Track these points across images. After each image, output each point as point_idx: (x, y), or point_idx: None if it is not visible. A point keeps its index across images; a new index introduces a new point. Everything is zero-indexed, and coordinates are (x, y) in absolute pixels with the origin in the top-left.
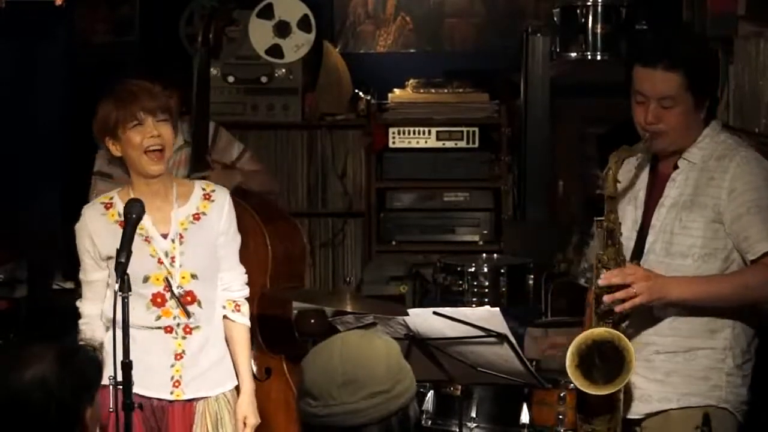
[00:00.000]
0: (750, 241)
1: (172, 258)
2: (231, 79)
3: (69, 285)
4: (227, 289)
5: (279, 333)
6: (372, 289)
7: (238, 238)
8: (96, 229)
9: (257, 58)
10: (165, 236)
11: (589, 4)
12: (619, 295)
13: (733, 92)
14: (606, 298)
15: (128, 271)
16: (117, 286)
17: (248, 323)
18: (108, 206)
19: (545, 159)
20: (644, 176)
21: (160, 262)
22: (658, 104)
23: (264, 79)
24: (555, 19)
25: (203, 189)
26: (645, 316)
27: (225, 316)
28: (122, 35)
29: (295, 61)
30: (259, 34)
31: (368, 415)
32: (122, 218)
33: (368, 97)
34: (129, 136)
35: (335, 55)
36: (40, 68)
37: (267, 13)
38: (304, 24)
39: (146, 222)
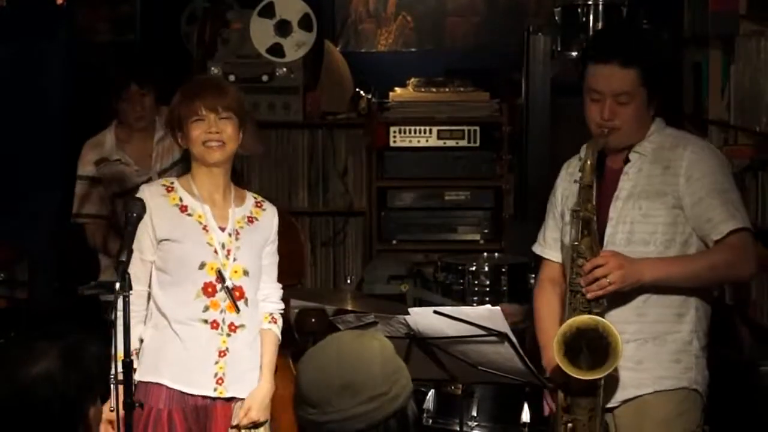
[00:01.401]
0: (713, 222)
1: (228, 251)
2: (232, 77)
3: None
4: (266, 299)
5: (282, 331)
6: (372, 288)
7: (276, 246)
8: (156, 207)
9: (258, 56)
10: (222, 229)
11: (590, 3)
12: (593, 287)
13: (733, 91)
14: (586, 291)
15: (185, 255)
16: (117, 286)
17: (280, 336)
18: (169, 189)
19: (546, 158)
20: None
21: (216, 252)
22: (613, 100)
23: (265, 78)
24: (556, 18)
25: (255, 198)
26: (613, 305)
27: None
28: (123, 34)
29: (296, 60)
30: (260, 33)
31: (367, 419)
32: (183, 203)
33: (369, 96)
34: (190, 130)
35: (336, 53)
36: (41, 68)
37: (268, 11)
38: (305, 23)
39: (206, 212)
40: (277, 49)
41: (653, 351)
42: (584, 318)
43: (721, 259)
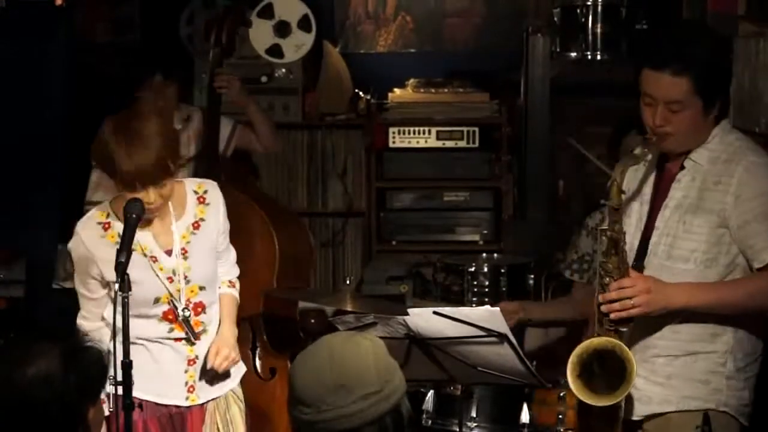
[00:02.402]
0: (755, 249)
1: (184, 275)
2: None
3: (69, 285)
4: (225, 274)
5: (284, 333)
6: (372, 288)
7: (227, 225)
8: (98, 254)
9: (257, 57)
10: (169, 253)
11: (589, 4)
12: (615, 306)
13: (733, 92)
14: (603, 308)
15: (137, 294)
16: (117, 286)
17: (238, 297)
18: (106, 227)
19: (545, 159)
20: (652, 173)
21: (168, 279)
22: (665, 107)
23: (264, 79)
24: (555, 19)
25: (195, 192)
26: (646, 319)
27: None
28: (123, 35)
29: (295, 61)
30: (260, 34)
31: (362, 418)
32: (139, 219)
33: (368, 97)
34: (124, 194)
35: (335, 54)
36: (40, 68)
37: (267, 12)
38: (304, 24)
39: (149, 241)
40: (276, 50)
41: (683, 368)
42: (602, 340)
43: (758, 288)
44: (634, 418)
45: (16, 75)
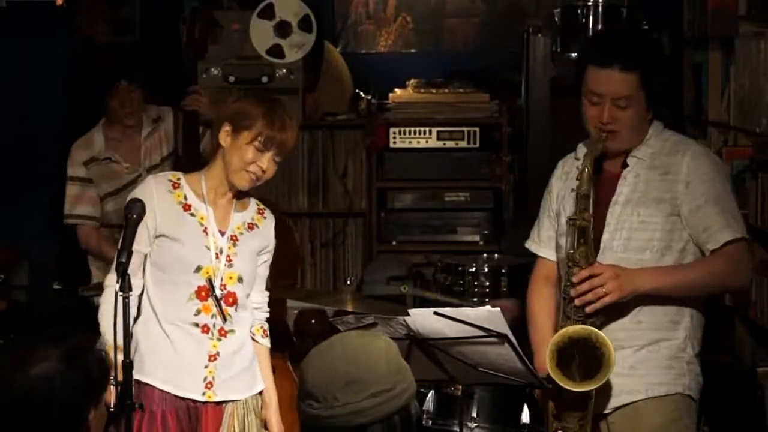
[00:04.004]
0: (710, 232)
1: (227, 257)
2: (232, 79)
3: (68, 286)
4: (259, 309)
5: (277, 332)
6: (372, 289)
7: (272, 255)
8: (160, 201)
9: (258, 58)
10: (222, 233)
11: (589, 4)
12: (588, 297)
13: (733, 92)
14: (577, 301)
15: (183, 257)
16: (117, 287)
17: (269, 345)
18: (175, 186)
19: (546, 159)
20: None
21: (213, 257)
22: (613, 104)
23: (265, 79)
24: (556, 19)
25: (258, 205)
26: (607, 312)
27: (254, 340)
28: (123, 35)
29: (295, 61)
30: (260, 34)
31: (371, 415)
32: (187, 201)
33: (369, 97)
34: (246, 149)
35: (336, 55)
36: (40, 68)
37: (268, 13)
38: (304, 24)
39: (209, 214)
40: (276, 51)
41: (647, 357)
42: (578, 327)
43: (716, 269)
44: (604, 411)
45: (16, 75)
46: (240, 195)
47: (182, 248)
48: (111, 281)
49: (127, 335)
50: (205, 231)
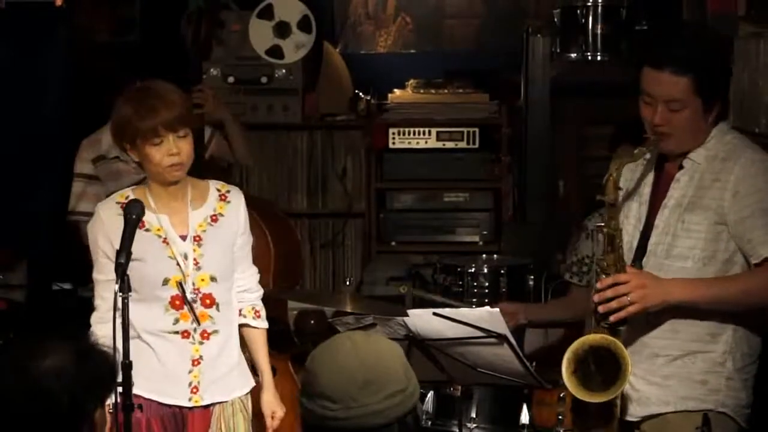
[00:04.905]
0: (753, 244)
1: (194, 260)
2: (231, 79)
3: (67, 286)
4: (246, 290)
5: (279, 332)
6: (372, 289)
7: (251, 239)
8: (114, 230)
9: (257, 58)
10: (183, 238)
11: (589, 4)
12: (612, 304)
13: (733, 92)
14: (600, 308)
15: (147, 275)
16: (117, 287)
17: (267, 325)
18: (123, 206)
19: (545, 159)
20: (651, 173)
21: (178, 264)
22: (665, 106)
23: (264, 80)
24: (555, 19)
25: (218, 190)
26: (645, 319)
27: (246, 324)
28: (123, 35)
29: (295, 62)
30: (260, 35)
31: (389, 416)
32: (139, 219)
33: (368, 98)
34: (148, 152)
35: (335, 55)
36: (40, 68)
37: (267, 13)
38: (304, 24)
39: (165, 224)
40: (276, 51)
41: (682, 368)
42: (597, 337)
43: (755, 284)
44: (633, 419)
45: (16, 75)
46: (195, 186)
47: (145, 266)
48: (94, 319)
49: (127, 336)
50: (164, 241)
